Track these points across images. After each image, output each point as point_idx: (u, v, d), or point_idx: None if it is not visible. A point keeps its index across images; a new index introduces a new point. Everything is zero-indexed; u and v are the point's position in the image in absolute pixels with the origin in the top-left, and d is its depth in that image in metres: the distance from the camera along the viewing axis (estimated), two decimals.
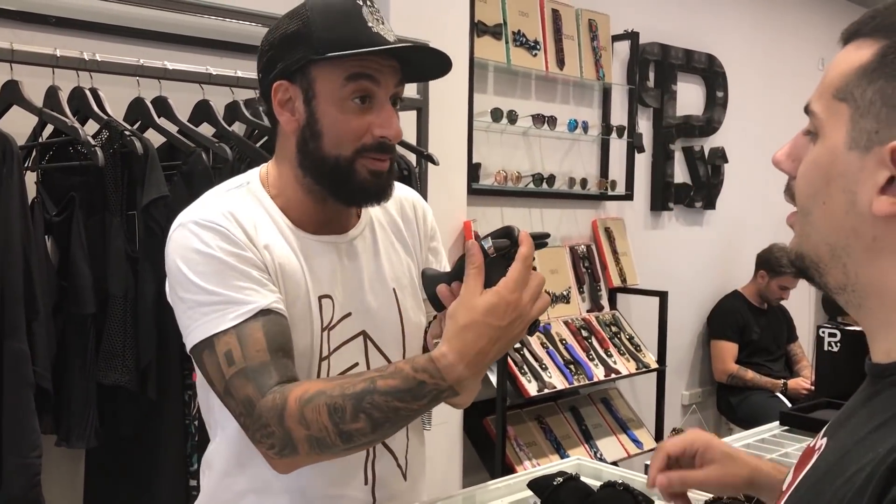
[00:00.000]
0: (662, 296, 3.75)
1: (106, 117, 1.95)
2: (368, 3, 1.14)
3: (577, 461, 1.56)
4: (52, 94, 1.91)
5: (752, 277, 4.33)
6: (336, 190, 1.16)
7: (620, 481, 1.31)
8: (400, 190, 1.32)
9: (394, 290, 1.25)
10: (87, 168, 1.88)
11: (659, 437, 3.70)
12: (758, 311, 4.32)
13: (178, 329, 1.90)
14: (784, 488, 0.78)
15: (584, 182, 3.65)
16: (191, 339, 1.10)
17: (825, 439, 0.73)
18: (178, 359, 1.94)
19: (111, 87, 2.04)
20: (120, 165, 1.91)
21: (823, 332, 2.20)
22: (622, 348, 3.61)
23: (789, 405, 3.75)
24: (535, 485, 1.38)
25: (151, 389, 1.88)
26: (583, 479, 1.37)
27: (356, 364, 1.21)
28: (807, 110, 0.72)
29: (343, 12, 1.12)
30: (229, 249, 1.10)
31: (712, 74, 4.39)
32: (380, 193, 1.17)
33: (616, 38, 3.80)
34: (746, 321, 4.27)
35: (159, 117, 2.05)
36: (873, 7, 0.70)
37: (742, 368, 4.18)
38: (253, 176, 1.23)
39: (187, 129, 2.06)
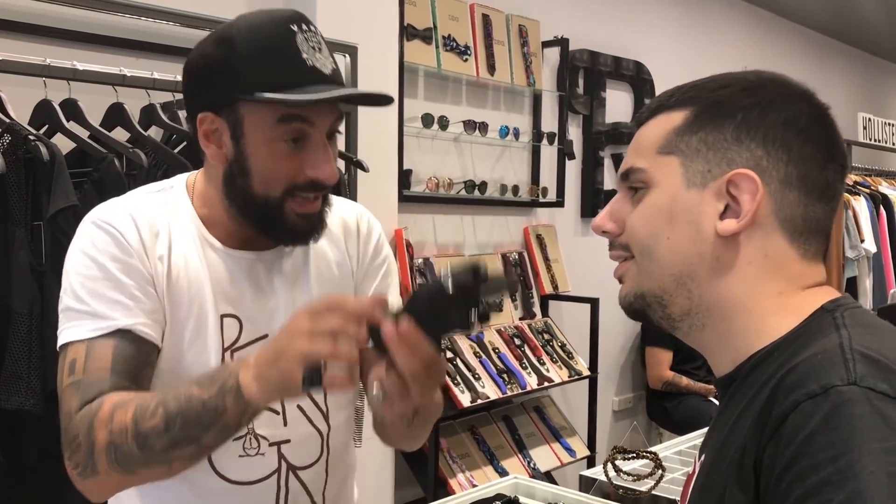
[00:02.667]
0: (594, 302, 3.75)
1: (8, 120, 1.82)
2: (304, 26, 1.05)
3: (514, 480, 1.51)
4: None
5: None
6: (263, 229, 1.11)
7: (560, 503, 1.27)
8: (346, 207, 1.26)
9: None
10: None
11: (591, 444, 3.69)
12: None
13: None
14: None
15: (515, 189, 3.62)
16: (58, 343, 1.07)
17: (701, 457, 0.84)
18: None
19: (14, 87, 1.91)
20: (24, 172, 1.78)
21: None
22: (554, 356, 3.59)
23: None
24: None
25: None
26: (521, 499, 1.32)
27: None
28: (626, 174, 0.84)
29: (274, 42, 1.03)
30: (116, 255, 1.06)
31: (640, 81, 4.43)
32: (308, 235, 1.11)
33: (546, 44, 3.79)
34: None
35: (69, 121, 1.93)
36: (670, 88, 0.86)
37: (677, 375, 4.20)
38: (178, 181, 1.17)
39: (99, 133, 1.94)
